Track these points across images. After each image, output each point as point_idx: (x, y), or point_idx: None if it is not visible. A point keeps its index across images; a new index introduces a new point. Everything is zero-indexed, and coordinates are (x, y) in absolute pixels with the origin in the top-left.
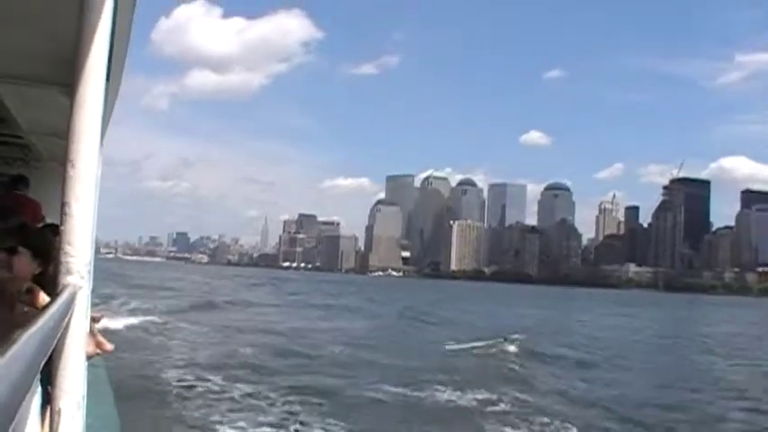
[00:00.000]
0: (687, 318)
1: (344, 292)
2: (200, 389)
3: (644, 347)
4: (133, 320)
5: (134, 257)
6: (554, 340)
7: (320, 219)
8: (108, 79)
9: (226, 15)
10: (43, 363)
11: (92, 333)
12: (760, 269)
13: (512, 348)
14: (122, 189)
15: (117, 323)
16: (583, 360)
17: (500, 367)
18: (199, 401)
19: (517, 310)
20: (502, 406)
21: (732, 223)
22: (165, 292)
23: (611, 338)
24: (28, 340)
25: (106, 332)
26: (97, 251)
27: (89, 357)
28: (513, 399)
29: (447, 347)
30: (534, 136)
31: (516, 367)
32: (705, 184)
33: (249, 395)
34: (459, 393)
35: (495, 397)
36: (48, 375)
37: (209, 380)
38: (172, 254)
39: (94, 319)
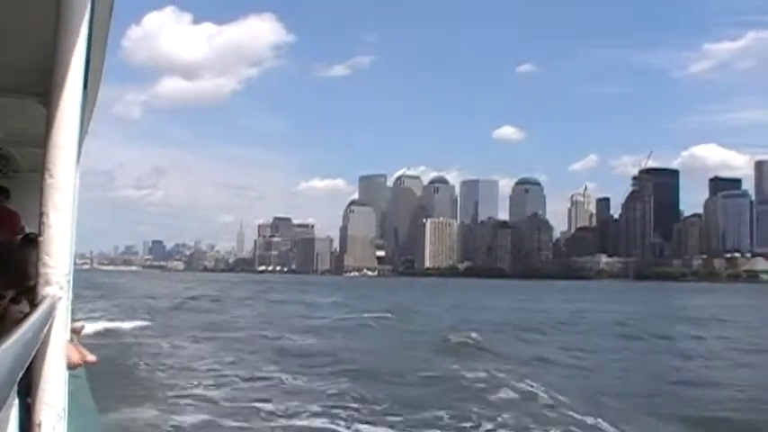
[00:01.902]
0: (627, 301)
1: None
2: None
3: (577, 328)
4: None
5: (110, 267)
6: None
7: (295, 221)
8: (85, 88)
9: (196, 21)
10: (20, 375)
11: (73, 344)
12: (728, 255)
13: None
14: (96, 199)
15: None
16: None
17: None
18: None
19: (481, 303)
20: None
21: (701, 211)
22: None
23: (544, 321)
24: (4, 352)
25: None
26: None
27: (74, 367)
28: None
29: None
30: (507, 131)
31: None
32: (674, 173)
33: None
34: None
35: None
36: (27, 388)
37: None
38: (148, 262)
39: (76, 330)
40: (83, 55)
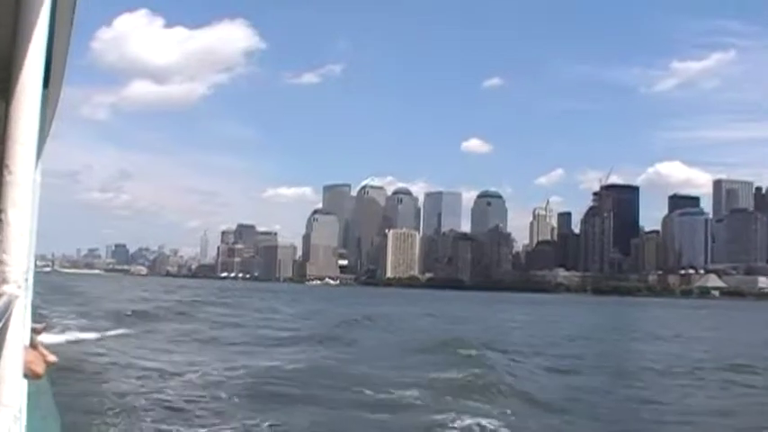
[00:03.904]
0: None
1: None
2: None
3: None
4: None
5: (72, 270)
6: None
7: (260, 229)
8: (46, 86)
9: (168, 25)
10: None
11: (33, 345)
12: (682, 271)
13: None
14: (59, 201)
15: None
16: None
17: None
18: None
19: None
20: None
21: (659, 227)
22: None
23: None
24: None
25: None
26: None
27: (38, 377)
28: None
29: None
30: (475, 144)
31: None
32: (634, 189)
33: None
34: None
35: None
36: None
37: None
38: (110, 266)
39: (36, 331)
40: (43, 50)
